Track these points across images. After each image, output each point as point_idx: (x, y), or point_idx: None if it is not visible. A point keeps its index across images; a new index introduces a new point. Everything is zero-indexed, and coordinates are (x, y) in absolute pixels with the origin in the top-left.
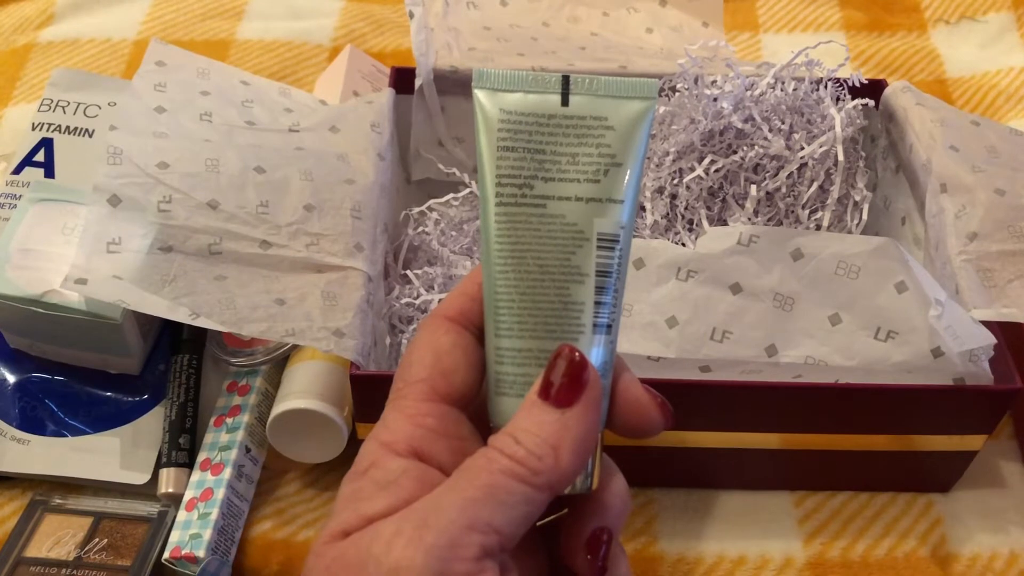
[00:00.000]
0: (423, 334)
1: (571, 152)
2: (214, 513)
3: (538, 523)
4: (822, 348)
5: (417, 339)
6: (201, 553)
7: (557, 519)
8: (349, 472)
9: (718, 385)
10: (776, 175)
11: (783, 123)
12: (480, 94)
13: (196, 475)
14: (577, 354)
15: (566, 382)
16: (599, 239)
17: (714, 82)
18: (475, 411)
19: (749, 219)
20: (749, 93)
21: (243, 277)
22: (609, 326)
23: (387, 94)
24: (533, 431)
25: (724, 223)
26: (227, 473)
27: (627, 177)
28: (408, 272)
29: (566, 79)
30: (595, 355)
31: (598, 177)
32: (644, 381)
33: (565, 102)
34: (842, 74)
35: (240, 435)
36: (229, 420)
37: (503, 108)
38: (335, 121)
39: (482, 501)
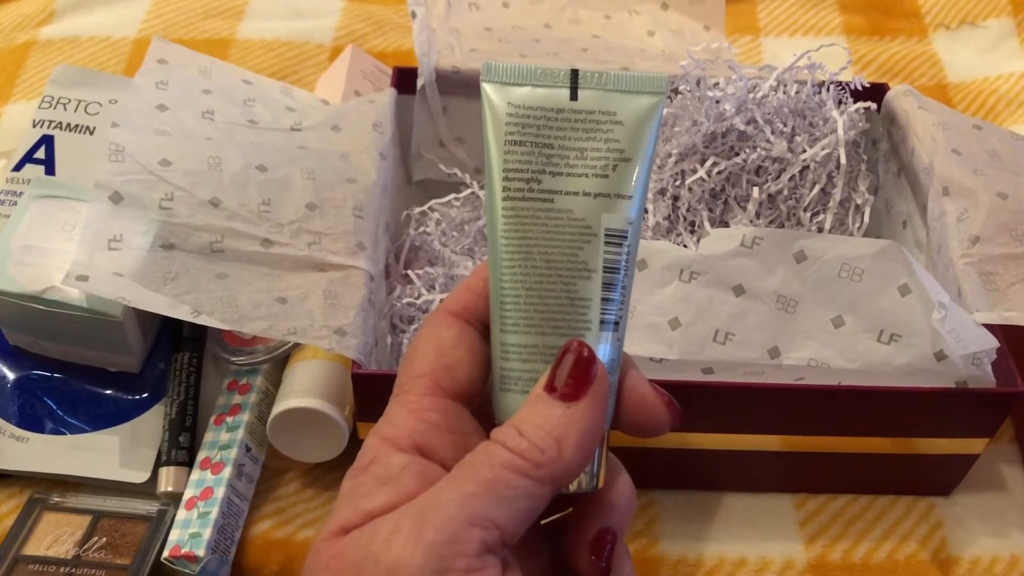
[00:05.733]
0: (427, 329)
1: (579, 147)
2: (214, 512)
3: (543, 522)
4: (825, 350)
5: (421, 334)
6: (201, 552)
7: (562, 518)
8: (351, 468)
9: (720, 387)
10: (778, 177)
11: (785, 126)
12: (488, 88)
13: (196, 474)
14: (586, 349)
15: (574, 377)
16: (607, 235)
17: (716, 84)
18: (479, 407)
19: (751, 221)
20: (751, 95)
21: (245, 275)
22: (616, 323)
23: (389, 94)
24: (538, 424)
25: (726, 225)
26: (227, 472)
27: (636, 172)
28: (409, 272)
29: (575, 73)
30: (602, 352)
31: (606, 172)
32: None
33: (574, 96)
34: (843, 78)
35: (240, 434)
36: (229, 419)
37: (511, 102)
38: (337, 120)
39: (482, 496)
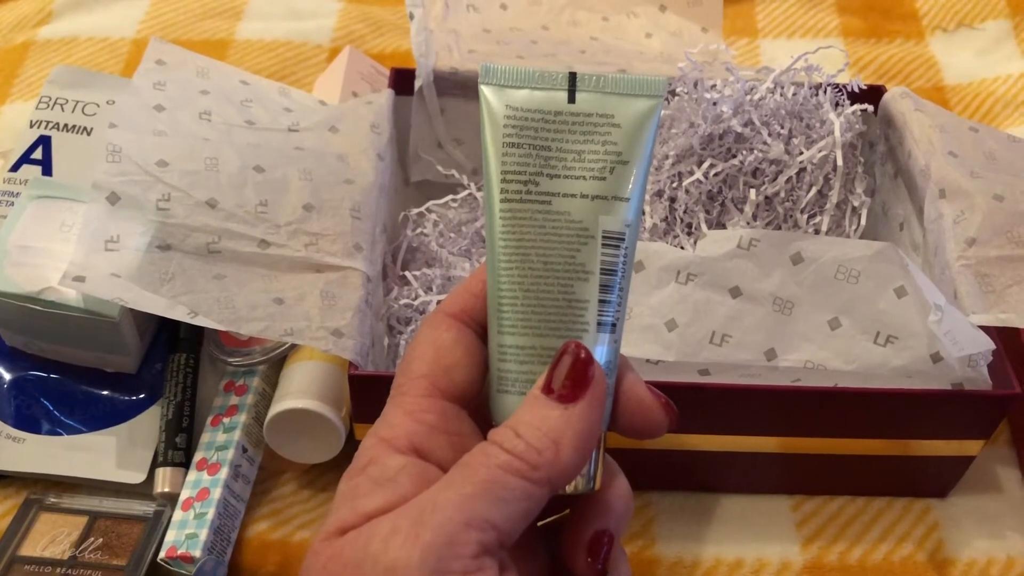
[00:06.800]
0: (425, 330)
1: (577, 149)
2: (210, 513)
3: (539, 523)
4: (821, 352)
5: (419, 336)
6: (197, 553)
7: (559, 520)
8: (348, 469)
9: (717, 388)
10: (775, 179)
11: (782, 128)
12: (486, 90)
13: (192, 475)
14: (583, 351)
15: (571, 378)
16: (604, 237)
17: (713, 86)
18: (477, 408)
19: (748, 223)
20: (748, 97)
21: (242, 276)
22: (614, 325)
23: (386, 95)
24: (535, 425)
25: (723, 227)
26: (224, 473)
27: (633, 175)
28: (406, 273)
29: (573, 76)
30: (599, 353)
31: (604, 175)
32: None
33: (572, 99)
34: (841, 80)
35: (237, 435)
36: (226, 420)
37: (509, 104)
38: (335, 121)
39: (480, 497)
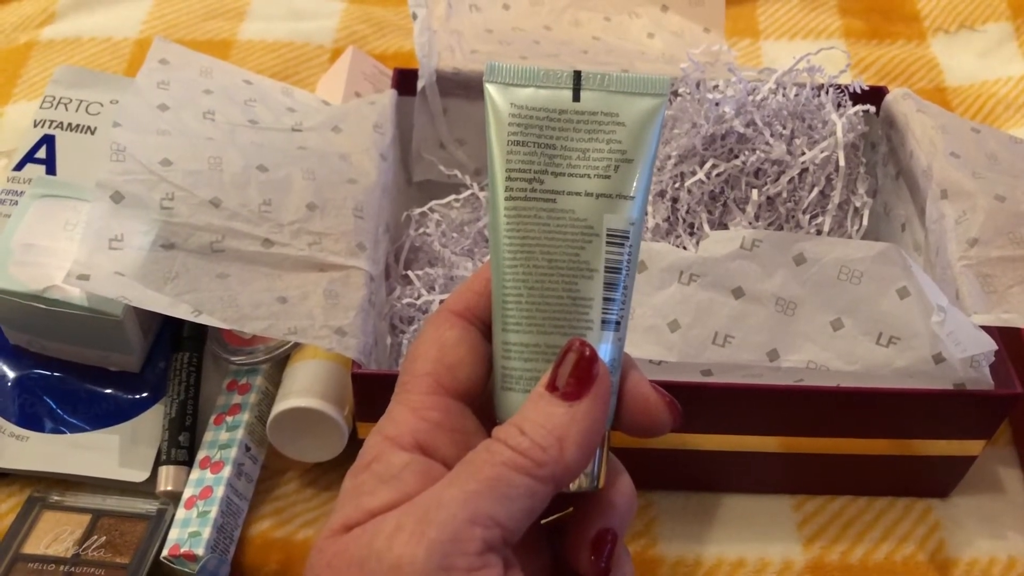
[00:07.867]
0: (428, 329)
1: (582, 147)
2: (213, 511)
3: (543, 521)
4: (824, 353)
5: (423, 334)
6: (200, 551)
7: (562, 518)
8: (352, 466)
9: (719, 388)
10: (777, 180)
11: (784, 128)
12: (491, 88)
13: (195, 473)
14: (588, 348)
15: (575, 376)
16: (609, 235)
17: (716, 87)
18: (481, 406)
19: (750, 223)
20: (751, 98)
21: (245, 275)
22: (618, 323)
23: (389, 95)
24: (540, 422)
25: (725, 227)
26: (227, 471)
27: (638, 173)
28: (409, 273)
29: (577, 75)
30: (603, 351)
31: (608, 173)
32: None
33: (576, 98)
34: (843, 81)
35: (240, 433)
36: (229, 418)
37: (514, 103)
38: (338, 121)
39: (484, 494)
